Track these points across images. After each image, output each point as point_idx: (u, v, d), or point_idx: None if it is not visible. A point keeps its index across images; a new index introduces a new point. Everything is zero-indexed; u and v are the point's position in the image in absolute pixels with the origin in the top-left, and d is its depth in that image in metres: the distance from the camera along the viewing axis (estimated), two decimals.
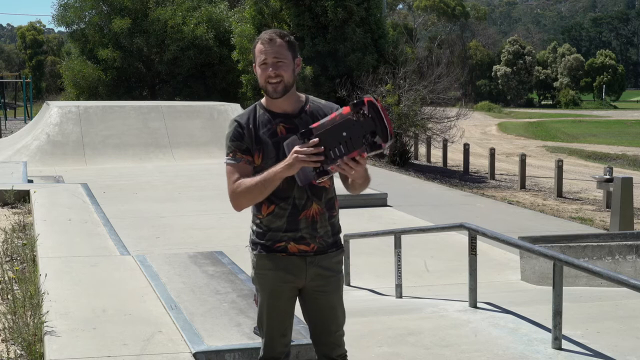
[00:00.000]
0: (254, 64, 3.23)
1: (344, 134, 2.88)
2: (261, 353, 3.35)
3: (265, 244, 3.20)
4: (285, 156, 3.05)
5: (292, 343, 4.26)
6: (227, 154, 3.17)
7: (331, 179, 3.18)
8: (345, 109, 2.91)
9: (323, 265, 3.22)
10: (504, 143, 34.99)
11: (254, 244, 3.25)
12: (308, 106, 3.22)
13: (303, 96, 3.25)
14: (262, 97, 3.28)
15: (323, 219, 3.21)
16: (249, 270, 6.16)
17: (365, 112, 2.85)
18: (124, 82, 36.51)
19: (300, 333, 4.42)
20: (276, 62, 3.11)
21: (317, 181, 3.03)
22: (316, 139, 2.91)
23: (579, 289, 7.28)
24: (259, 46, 3.15)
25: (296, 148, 2.94)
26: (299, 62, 3.21)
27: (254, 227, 3.26)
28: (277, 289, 3.22)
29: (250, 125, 3.15)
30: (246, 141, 3.14)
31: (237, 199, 3.12)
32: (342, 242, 3.35)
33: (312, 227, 3.18)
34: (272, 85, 3.12)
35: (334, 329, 3.30)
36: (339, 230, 3.32)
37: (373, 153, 2.90)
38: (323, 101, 3.30)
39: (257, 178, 3.06)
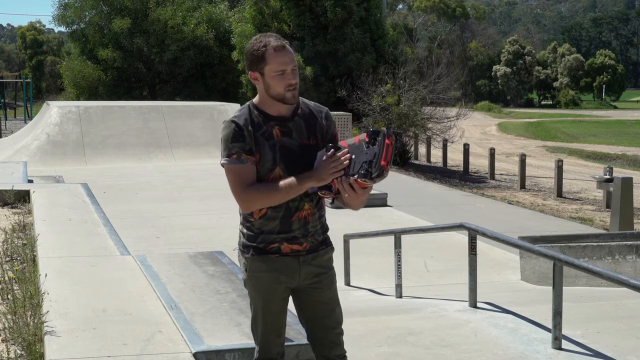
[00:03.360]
0: (252, 72, 3.14)
1: (353, 156, 2.98)
2: (256, 355, 3.33)
3: (257, 246, 3.19)
4: (282, 158, 3.08)
5: (292, 343, 4.28)
6: (229, 155, 3.08)
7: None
8: (365, 136, 3.00)
9: (315, 263, 3.23)
10: (503, 143, 34.99)
11: (245, 247, 3.23)
12: (300, 109, 3.21)
13: None
14: None
15: (314, 218, 3.22)
16: None
17: (376, 142, 2.91)
18: (124, 82, 36.53)
19: (300, 333, 4.41)
20: (293, 70, 3.11)
21: (320, 193, 3.09)
22: (346, 150, 3.01)
23: (579, 289, 7.28)
24: (272, 54, 3.07)
25: (329, 162, 2.99)
26: None
27: (245, 230, 3.23)
28: (271, 290, 3.21)
29: (249, 127, 3.10)
30: (248, 142, 3.09)
31: (251, 202, 3.07)
32: (331, 240, 3.35)
33: (304, 227, 3.19)
34: (292, 92, 3.10)
35: (331, 325, 3.29)
36: (328, 229, 3.33)
37: (365, 182, 2.93)
38: (312, 103, 3.30)
39: (281, 185, 3.03)
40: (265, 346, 3.30)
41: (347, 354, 3.38)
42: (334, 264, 3.37)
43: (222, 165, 3.13)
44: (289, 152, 3.11)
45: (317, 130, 3.20)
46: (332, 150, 3.04)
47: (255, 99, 3.21)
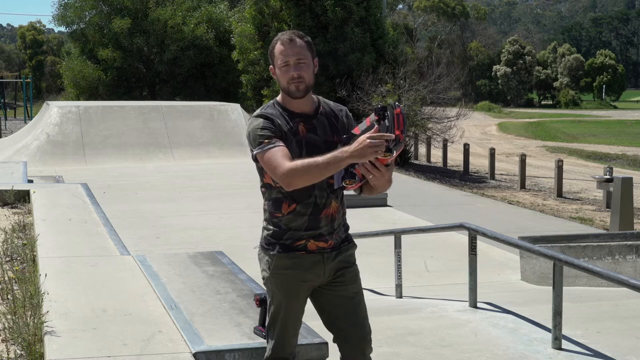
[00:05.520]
0: (271, 66, 3.22)
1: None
2: (268, 353, 3.31)
3: (284, 243, 3.18)
4: (307, 154, 3.05)
5: None
6: (261, 143, 3.07)
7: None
8: (374, 114, 2.98)
9: (338, 259, 3.23)
10: (504, 143, 34.99)
11: (269, 244, 3.21)
12: (322, 107, 3.26)
13: (315, 97, 3.27)
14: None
15: (339, 215, 3.24)
16: (249, 270, 6.17)
17: (385, 116, 2.90)
18: (124, 82, 36.54)
19: (300, 333, 4.40)
20: (298, 63, 3.12)
21: (344, 184, 3.05)
22: (377, 128, 2.90)
23: (579, 289, 7.28)
24: (279, 47, 3.14)
25: (367, 135, 2.83)
26: (317, 63, 3.22)
27: (270, 227, 3.21)
28: (295, 289, 3.21)
29: (277, 120, 3.14)
30: (278, 127, 3.12)
31: (293, 178, 2.97)
32: (352, 238, 3.35)
33: (330, 224, 3.19)
34: (295, 85, 3.13)
35: (359, 321, 3.27)
36: (349, 227, 3.35)
37: (386, 157, 2.90)
38: (332, 102, 3.34)
39: (320, 159, 2.91)
40: (280, 345, 3.29)
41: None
42: None
43: (256, 156, 3.10)
44: (314, 148, 3.12)
45: (340, 128, 3.23)
46: (357, 134, 2.98)
47: (279, 97, 3.25)
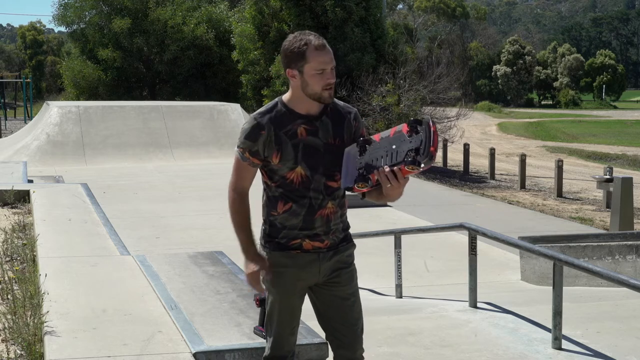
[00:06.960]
0: (289, 69, 3.14)
1: (394, 146, 2.96)
2: (267, 352, 3.32)
3: (279, 241, 3.19)
4: (303, 158, 3.09)
5: None
6: (239, 147, 3.17)
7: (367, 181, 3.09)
8: (405, 127, 2.98)
9: (336, 259, 3.23)
10: (504, 143, 34.99)
11: (266, 242, 3.23)
12: (329, 108, 3.21)
13: None
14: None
15: (336, 217, 3.22)
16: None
17: (418, 130, 2.90)
18: (124, 82, 36.53)
19: (300, 333, 4.40)
20: (332, 69, 3.13)
21: (356, 186, 3.04)
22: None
23: (579, 289, 7.28)
24: (314, 52, 3.08)
25: (259, 271, 3.17)
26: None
27: (267, 225, 3.23)
28: (290, 287, 3.21)
29: (272, 127, 3.11)
30: (259, 143, 3.11)
31: (228, 202, 3.24)
32: (352, 237, 3.35)
33: (326, 224, 3.19)
34: (329, 92, 3.12)
35: (351, 322, 3.28)
36: (349, 226, 3.33)
37: (412, 170, 2.91)
38: (341, 103, 3.31)
39: (242, 232, 3.20)
40: (278, 343, 3.29)
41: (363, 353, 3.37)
42: None
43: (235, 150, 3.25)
44: (312, 152, 3.11)
45: (345, 130, 3.20)
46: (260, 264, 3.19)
47: (286, 96, 3.20)
